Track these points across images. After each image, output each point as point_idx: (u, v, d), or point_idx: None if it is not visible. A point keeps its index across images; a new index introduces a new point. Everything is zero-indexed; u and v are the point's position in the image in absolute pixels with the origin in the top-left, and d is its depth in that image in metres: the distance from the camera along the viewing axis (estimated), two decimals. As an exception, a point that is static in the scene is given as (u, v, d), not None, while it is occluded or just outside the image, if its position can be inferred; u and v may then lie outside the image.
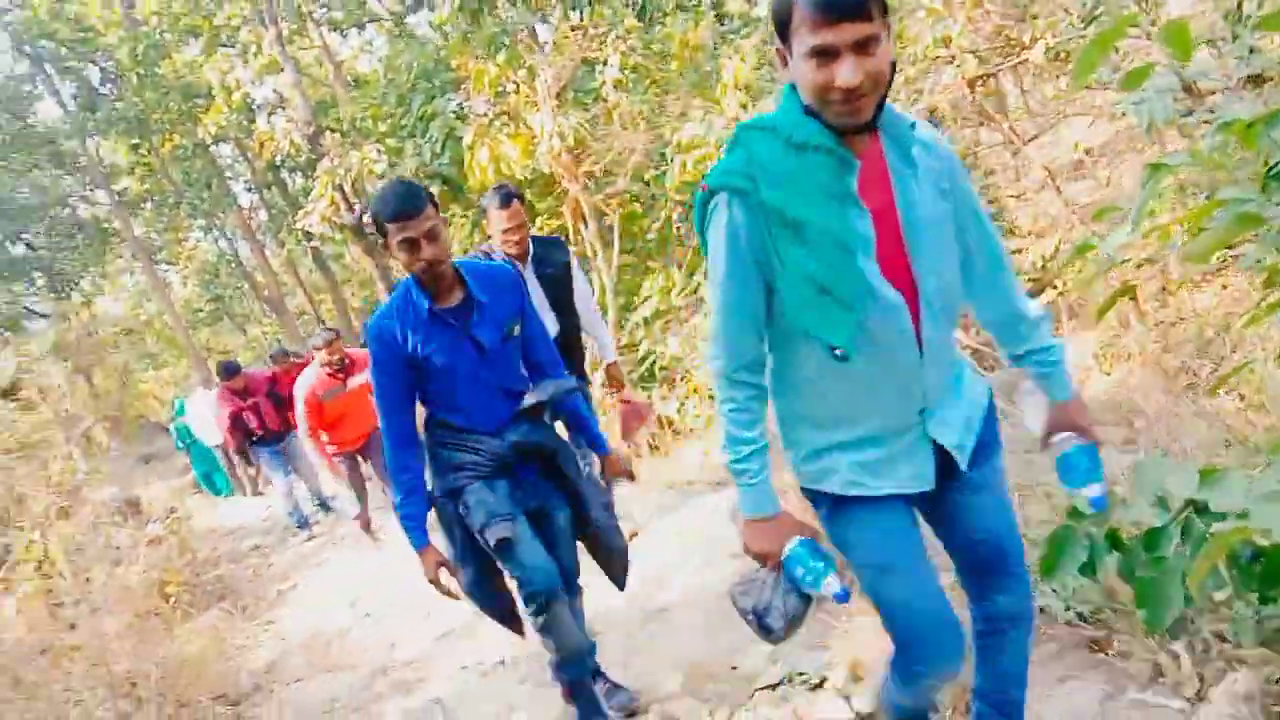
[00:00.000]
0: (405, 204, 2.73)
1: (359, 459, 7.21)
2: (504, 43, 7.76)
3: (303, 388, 6.64)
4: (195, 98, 19.87)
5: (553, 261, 4.40)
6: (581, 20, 8.16)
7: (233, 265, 28.03)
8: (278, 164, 22.09)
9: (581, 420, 3.40)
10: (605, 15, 7.97)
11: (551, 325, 4.21)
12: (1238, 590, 2.16)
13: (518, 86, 7.42)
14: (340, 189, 12.23)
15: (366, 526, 7.30)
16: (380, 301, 17.25)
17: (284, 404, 8.36)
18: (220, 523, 11.33)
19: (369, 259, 15.44)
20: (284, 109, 18.77)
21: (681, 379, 6.87)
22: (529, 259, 4.28)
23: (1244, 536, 1.97)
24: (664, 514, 5.64)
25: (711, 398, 6.54)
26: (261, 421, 8.54)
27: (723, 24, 12.57)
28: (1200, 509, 2.06)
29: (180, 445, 13.83)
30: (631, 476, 3.52)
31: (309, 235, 18.97)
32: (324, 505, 8.95)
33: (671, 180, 6.72)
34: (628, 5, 8.71)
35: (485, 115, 7.65)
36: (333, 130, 14.82)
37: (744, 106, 6.60)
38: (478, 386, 2.99)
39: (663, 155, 7.31)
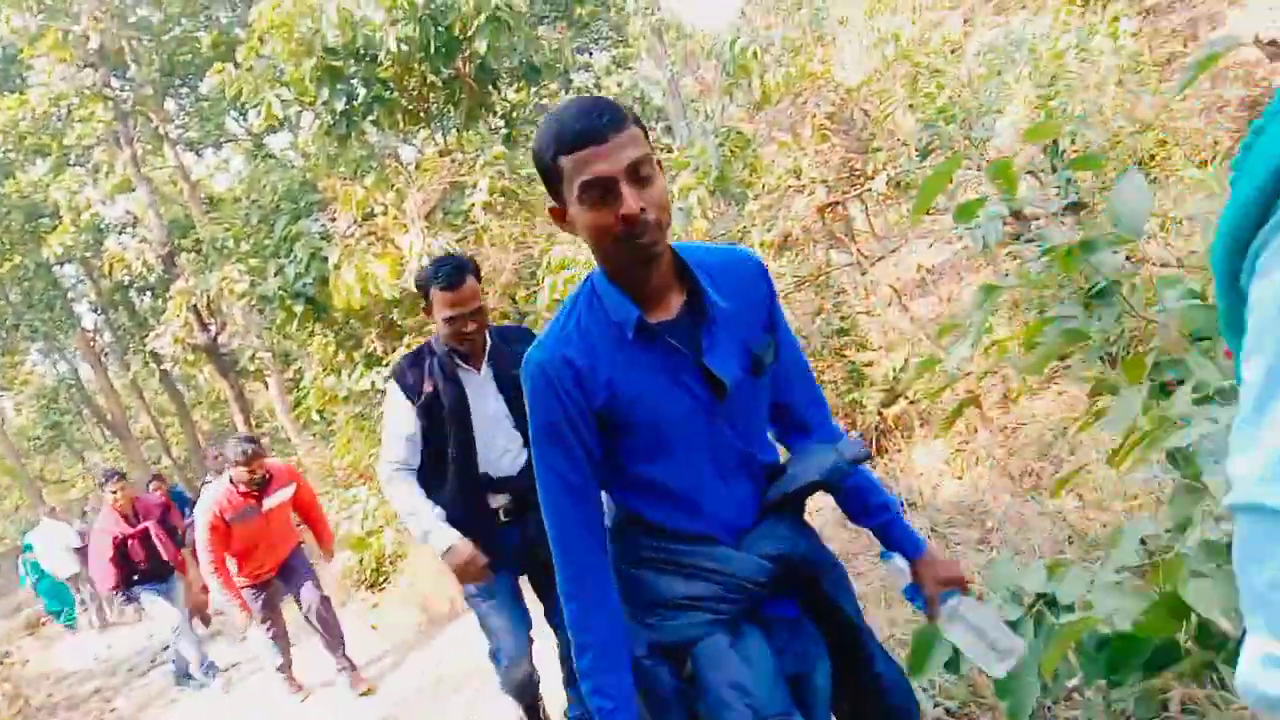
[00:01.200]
0: (594, 117, 1.52)
1: (277, 591, 6.03)
2: (371, 166, 7.86)
3: (206, 510, 5.42)
4: (39, 217, 19.15)
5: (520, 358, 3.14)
6: (448, 145, 8.35)
7: (73, 389, 26.63)
8: (126, 284, 21.36)
9: (876, 504, 1.95)
10: (473, 140, 8.19)
11: (520, 453, 3.23)
12: (1088, 677, 2.32)
13: (386, 208, 7.50)
14: (195, 309, 11.93)
15: (293, 679, 6.15)
16: (235, 425, 16.61)
17: (177, 535, 7.20)
18: (56, 665, 10.48)
19: (223, 380, 14.94)
20: (135, 229, 18.29)
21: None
22: (485, 358, 3.21)
23: (1089, 626, 2.14)
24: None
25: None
26: (149, 554, 6.98)
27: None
28: (1050, 602, 2.23)
29: (27, 579, 12.90)
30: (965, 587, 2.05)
31: (157, 357, 18.29)
32: (209, 667, 7.44)
33: (544, 300, 6.86)
34: (493, 131, 8.97)
35: (351, 236, 7.67)
36: (188, 250, 14.49)
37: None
38: (708, 455, 1.73)
39: (533, 274, 7.46)
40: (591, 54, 20.57)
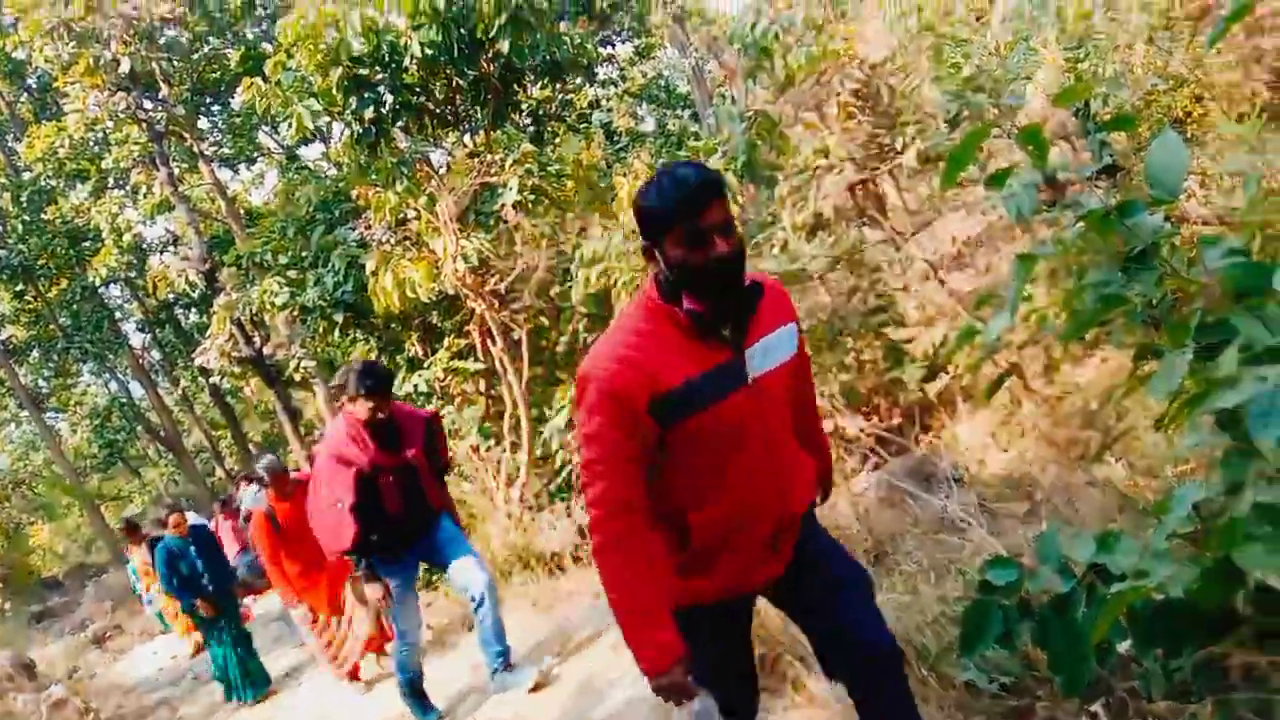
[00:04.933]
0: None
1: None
2: (403, 172, 7.93)
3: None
4: (83, 241, 19.55)
5: None
6: (476, 146, 8.39)
7: (125, 407, 27.17)
8: (171, 302, 21.74)
9: None
10: (501, 140, 8.23)
11: None
12: (1144, 647, 2.29)
13: (419, 213, 7.55)
14: (238, 323, 12.12)
15: None
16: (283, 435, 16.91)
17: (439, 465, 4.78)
18: (125, 677, 10.73)
19: (271, 391, 15.18)
20: (176, 247, 18.62)
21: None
22: None
23: (1141, 594, 2.11)
24: (597, 625, 5.61)
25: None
26: (408, 499, 4.47)
27: (612, 141, 13.03)
28: (1101, 573, 2.20)
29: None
30: None
31: (205, 371, 18.62)
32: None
33: (577, 294, 6.88)
34: (521, 130, 9.00)
35: (387, 242, 7.74)
36: (229, 265, 14.73)
37: (640, 219, 6.82)
38: None
39: (566, 271, 7.48)
40: (614, 46, 20.54)
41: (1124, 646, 2.42)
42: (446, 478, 4.84)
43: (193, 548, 7.44)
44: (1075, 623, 2.10)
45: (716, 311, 2.10)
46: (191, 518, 8.50)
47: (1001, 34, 5.94)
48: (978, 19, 7.12)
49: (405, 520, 4.47)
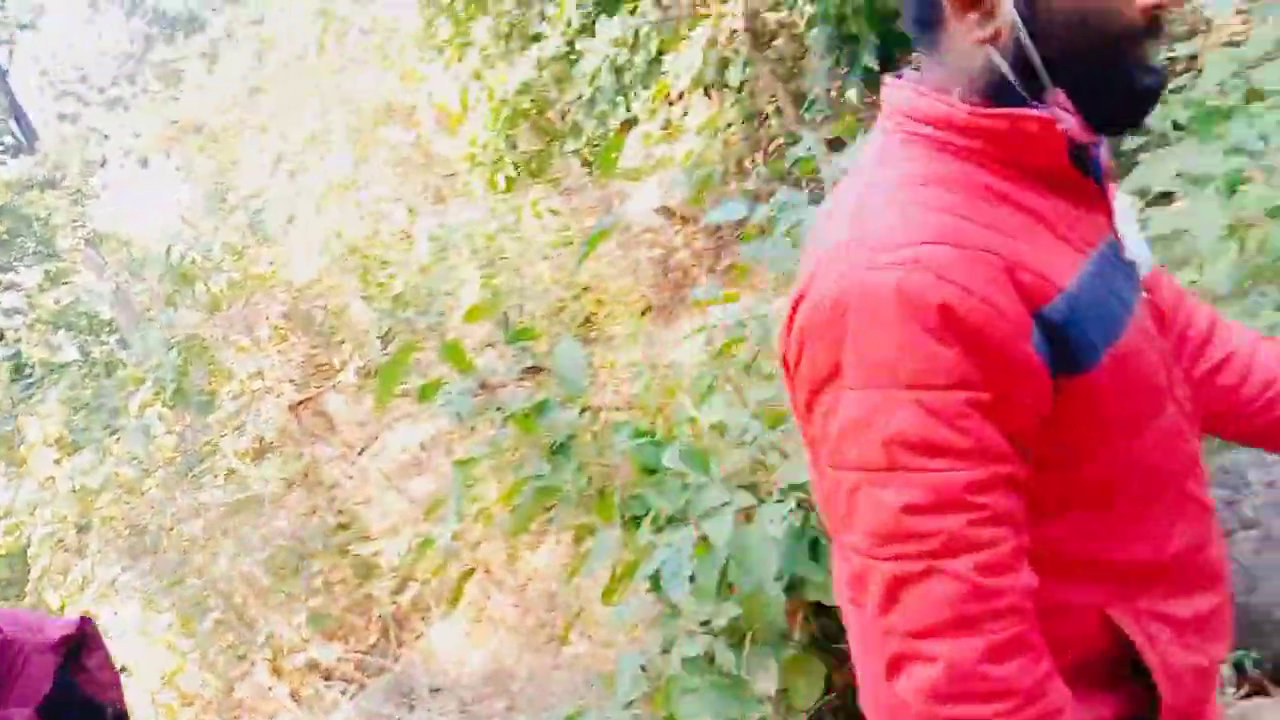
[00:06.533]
0: None
1: None
2: None
3: None
4: None
5: None
6: None
7: None
8: None
9: None
10: None
11: None
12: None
13: None
14: None
15: None
16: None
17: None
18: None
19: None
20: None
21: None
22: None
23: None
24: None
25: None
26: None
27: (22, 376, 11.48)
28: (573, 754, 2.29)
29: None
30: None
31: None
32: None
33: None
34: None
35: None
36: None
37: (58, 462, 6.09)
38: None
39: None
40: (18, 272, 18.59)
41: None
42: None
43: None
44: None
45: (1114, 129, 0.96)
46: None
47: (425, 252, 6.39)
48: (405, 238, 7.60)
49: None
